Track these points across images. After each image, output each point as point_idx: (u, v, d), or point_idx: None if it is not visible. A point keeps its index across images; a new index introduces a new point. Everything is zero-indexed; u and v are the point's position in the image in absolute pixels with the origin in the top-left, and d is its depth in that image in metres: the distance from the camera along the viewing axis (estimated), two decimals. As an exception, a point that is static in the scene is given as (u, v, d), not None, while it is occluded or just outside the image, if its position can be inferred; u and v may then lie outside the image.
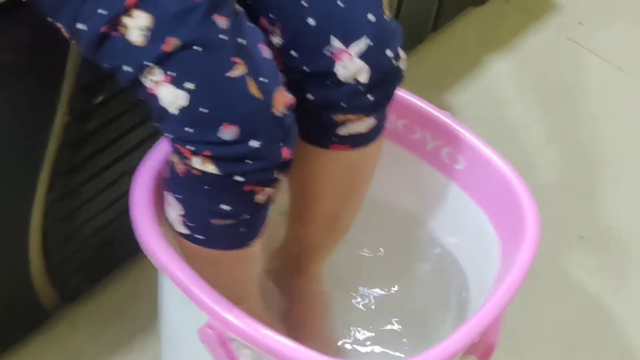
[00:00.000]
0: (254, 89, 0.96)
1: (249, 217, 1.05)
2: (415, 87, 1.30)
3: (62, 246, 1.37)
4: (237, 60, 0.95)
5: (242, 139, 0.96)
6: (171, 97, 0.95)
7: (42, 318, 1.46)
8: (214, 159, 0.97)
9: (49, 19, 0.99)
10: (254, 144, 0.96)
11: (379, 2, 1.08)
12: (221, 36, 0.95)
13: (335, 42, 1.05)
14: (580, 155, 1.92)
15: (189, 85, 0.94)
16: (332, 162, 1.18)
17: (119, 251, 1.52)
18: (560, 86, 2.07)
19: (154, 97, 0.96)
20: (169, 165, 1.05)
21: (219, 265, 1.11)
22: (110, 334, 1.49)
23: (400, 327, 1.40)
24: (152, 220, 1.10)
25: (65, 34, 0.99)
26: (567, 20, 2.23)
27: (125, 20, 0.94)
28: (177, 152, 0.99)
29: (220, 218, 1.04)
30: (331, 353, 1.22)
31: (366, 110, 1.10)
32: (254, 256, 1.15)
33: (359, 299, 1.42)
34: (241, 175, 0.98)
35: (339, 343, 1.37)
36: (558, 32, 2.19)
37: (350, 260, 1.42)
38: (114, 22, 0.94)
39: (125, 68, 0.96)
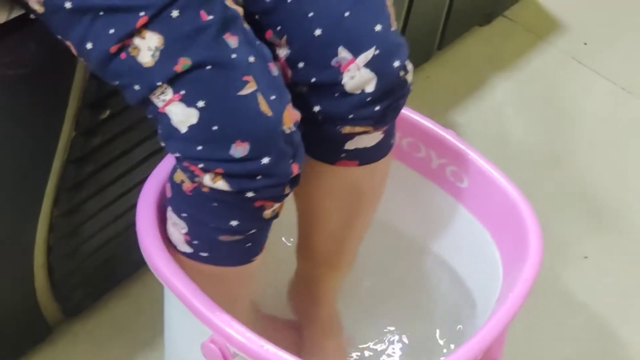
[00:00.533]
0: (264, 107, 0.97)
1: (256, 232, 1.05)
2: (421, 105, 1.30)
3: (66, 261, 1.37)
4: (249, 78, 0.96)
5: (253, 156, 0.96)
6: (182, 115, 0.95)
7: (45, 333, 1.46)
8: (226, 176, 0.97)
9: (59, 37, 1.00)
10: (266, 160, 0.97)
11: (387, 14, 1.08)
12: (232, 55, 0.96)
13: (343, 53, 1.05)
14: (584, 175, 1.92)
15: (200, 104, 0.95)
16: (338, 179, 1.18)
17: (122, 267, 1.52)
18: (565, 106, 2.07)
19: (164, 116, 0.96)
20: (172, 184, 1.05)
21: (221, 282, 1.11)
22: (112, 350, 1.49)
23: (405, 344, 1.40)
24: (156, 235, 1.10)
25: (74, 51, 0.99)
26: (572, 41, 2.23)
27: (137, 41, 0.95)
28: (186, 170, 0.99)
29: (229, 234, 1.04)
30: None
31: (373, 121, 1.10)
32: (255, 273, 1.15)
33: (363, 316, 1.42)
34: (253, 191, 0.99)
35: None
36: (563, 52, 2.20)
37: (353, 278, 1.42)
38: (125, 42, 0.95)
39: (136, 87, 0.97)
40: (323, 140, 1.13)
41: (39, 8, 0.98)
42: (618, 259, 1.76)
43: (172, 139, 0.98)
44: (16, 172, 1.18)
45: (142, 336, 1.51)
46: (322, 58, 1.06)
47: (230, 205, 1.01)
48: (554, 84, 2.12)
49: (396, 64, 1.08)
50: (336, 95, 1.07)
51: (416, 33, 1.88)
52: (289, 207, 1.14)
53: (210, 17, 0.96)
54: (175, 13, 0.94)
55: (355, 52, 1.05)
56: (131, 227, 1.12)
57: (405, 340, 1.40)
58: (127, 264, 1.52)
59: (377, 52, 1.06)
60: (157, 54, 0.94)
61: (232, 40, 0.96)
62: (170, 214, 1.08)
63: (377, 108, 1.08)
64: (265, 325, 1.34)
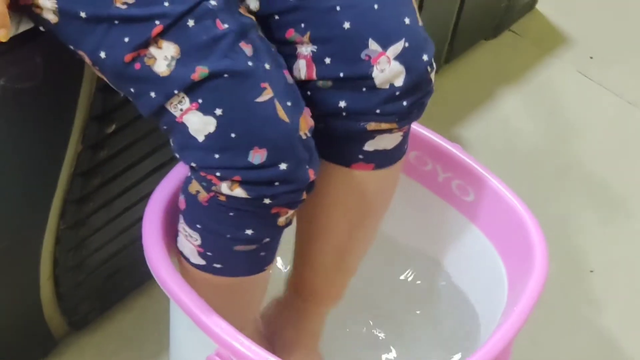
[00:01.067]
0: (282, 113, 0.97)
1: (269, 240, 1.06)
2: (427, 118, 1.30)
3: (72, 274, 1.37)
4: (265, 85, 0.97)
5: (271, 163, 0.97)
6: (199, 124, 0.96)
7: (51, 346, 1.46)
8: (244, 183, 0.98)
9: (71, 47, 1.00)
10: (284, 166, 0.97)
11: (413, 8, 1.08)
12: (249, 63, 0.96)
13: (373, 45, 1.04)
14: (591, 188, 1.91)
15: (218, 112, 0.95)
16: (349, 184, 1.17)
17: (128, 280, 1.52)
18: (571, 120, 2.07)
19: (182, 126, 0.97)
20: (186, 196, 1.05)
21: (233, 293, 1.12)
22: (118, 363, 1.49)
23: (409, 357, 1.40)
24: (162, 248, 1.10)
25: (88, 61, 1.00)
26: (578, 54, 2.23)
27: (153, 50, 0.95)
28: (202, 180, 1.00)
29: (244, 244, 1.04)
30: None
31: (398, 117, 1.09)
32: (265, 282, 1.16)
33: (364, 330, 1.41)
34: (270, 198, 0.99)
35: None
36: (569, 65, 2.20)
37: (356, 289, 1.42)
38: (139, 51, 0.95)
39: (152, 94, 0.97)
40: (343, 139, 1.12)
41: (53, 18, 0.98)
42: (624, 273, 1.76)
43: (188, 148, 0.98)
44: (23, 185, 1.18)
45: (149, 349, 1.51)
46: (352, 51, 1.05)
47: (246, 214, 1.01)
48: (560, 97, 2.12)
49: (425, 57, 1.07)
50: (364, 89, 1.06)
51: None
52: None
53: (226, 25, 0.96)
54: (191, 22, 0.95)
55: (385, 45, 1.04)
56: (137, 240, 1.12)
57: (408, 354, 1.40)
58: (133, 277, 1.52)
59: (407, 44, 1.05)
60: (173, 63, 0.95)
61: (247, 49, 0.97)
62: (183, 227, 1.08)
63: (405, 103, 1.07)
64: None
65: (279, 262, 1.45)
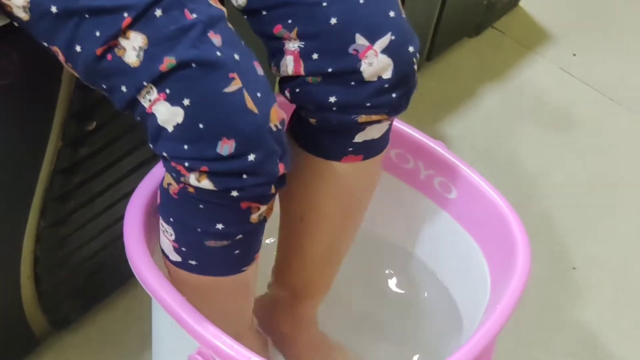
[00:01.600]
0: (251, 104, 0.96)
1: (243, 237, 1.04)
2: (409, 116, 1.30)
3: (53, 273, 1.37)
4: (234, 75, 0.96)
5: (239, 153, 0.96)
6: (167, 114, 0.95)
7: (32, 345, 1.45)
8: (211, 174, 0.97)
9: (44, 44, 1.00)
10: (252, 157, 0.96)
11: (397, 2, 1.08)
12: (218, 53, 0.95)
13: (360, 40, 1.05)
14: (573, 186, 1.92)
15: (186, 102, 0.94)
16: (340, 177, 1.17)
17: (110, 279, 1.52)
18: (554, 117, 2.07)
19: (151, 116, 0.96)
20: (161, 190, 1.05)
21: (212, 294, 1.11)
22: (100, 362, 1.49)
23: (389, 355, 1.40)
24: (144, 247, 1.10)
25: (62, 57, 0.99)
26: (561, 52, 2.24)
27: (122, 41, 0.95)
28: (172, 170, 0.99)
29: (215, 239, 1.03)
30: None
31: (388, 109, 1.10)
32: (248, 286, 1.14)
33: (344, 330, 1.41)
34: (238, 190, 0.98)
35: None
36: (552, 63, 2.20)
37: (336, 288, 1.42)
38: (110, 44, 0.95)
39: (123, 88, 0.96)
40: (333, 132, 1.12)
41: (24, 16, 0.97)
42: (607, 270, 1.77)
43: (159, 139, 0.97)
44: (2, 183, 1.17)
45: (131, 348, 1.50)
46: (339, 46, 1.05)
47: (216, 207, 1.00)
48: (543, 94, 2.12)
49: (411, 49, 1.08)
50: (353, 83, 1.07)
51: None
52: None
53: (194, 15, 0.95)
54: (158, 12, 0.94)
55: (372, 39, 1.05)
56: (119, 238, 1.12)
57: (391, 353, 1.40)
58: (115, 276, 1.51)
59: (393, 37, 1.06)
60: (142, 54, 0.94)
61: (216, 39, 0.96)
62: (161, 222, 1.07)
63: (394, 95, 1.08)
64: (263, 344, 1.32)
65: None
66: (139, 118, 0.99)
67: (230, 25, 1.01)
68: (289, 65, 1.07)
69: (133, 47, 0.94)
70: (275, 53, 1.09)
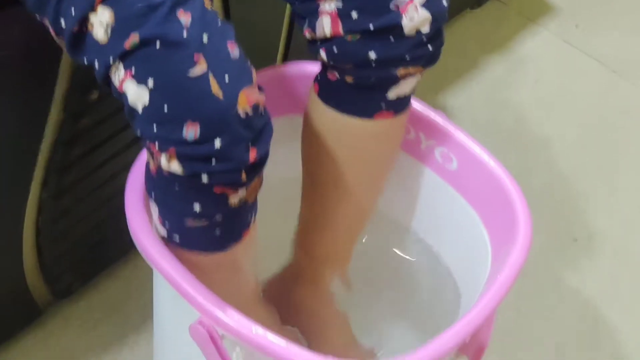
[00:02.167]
0: (215, 88, 0.93)
1: (223, 219, 1.03)
2: (410, 88, 1.30)
3: (56, 243, 1.37)
4: (199, 57, 0.93)
5: (205, 139, 0.93)
6: (135, 95, 0.94)
7: (35, 315, 1.46)
8: (179, 157, 0.95)
9: (37, 17, 0.99)
10: (218, 143, 0.94)
11: None
12: (184, 33, 0.93)
13: None
14: (575, 157, 1.92)
15: (150, 83, 0.93)
16: (373, 135, 1.17)
17: (112, 250, 1.52)
18: (556, 89, 2.07)
19: (123, 95, 0.95)
20: (146, 166, 1.04)
21: (201, 268, 1.09)
22: (102, 332, 1.49)
23: (389, 329, 1.40)
24: (145, 217, 1.10)
25: (52, 31, 0.99)
26: (563, 23, 2.23)
27: (92, 17, 0.94)
28: (148, 150, 0.98)
29: (194, 219, 1.02)
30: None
31: (425, 61, 1.11)
32: (236, 263, 1.12)
33: (338, 304, 1.41)
34: (207, 175, 0.96)
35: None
36: (554, 34, 2.20)
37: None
38: (84, 20, 0.94)
39: (96, 65, 0.96)
40: (367, 89, 1.12)
41: None
42: (608, 242, 1.77)
43: (133, 117, 0.96)
44: (4, 154, 1.18)
45: (133, 318, 1.51)
46: (379, 3, 1.05)
47: (190, 190, 0.99)
48: (545, 66, 2.12)
49: (444, 3, 1.09)
50: (392, 38, 1.07)
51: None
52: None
53: None
54: None
55: None
56: (121, 209, 1.12)
57: (388, 325, 1.40)
58: (118, 246, 1.52)
59: None
60: (109, 30, 0.93)
61: (185, 18, 0.94)
62: (148, 196, 1.07)
63: (430, 48, 1.10)
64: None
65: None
66: (116, 96, 0.98)
67: (208, 3, 0.98)
68: (326, 26, 1.07)
69: (100, 22, 0.93)
70: (307, 15, 1.08)
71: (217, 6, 1.36)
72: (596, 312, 1.65)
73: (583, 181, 1.87)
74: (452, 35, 2.13)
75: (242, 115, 0.95)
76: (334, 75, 1.13)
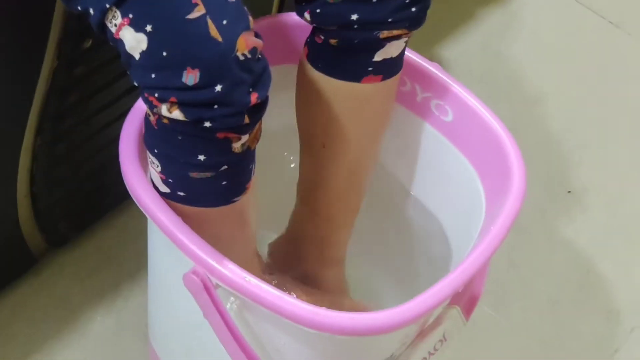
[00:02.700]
0: (214, 32, 0.92)
1: (228, 168, 1.02)
2: (406, 38, 1.30)
3: (50, 191, 1.37)
4: (197, 0, 0.92)
5: (205, 84, 0.93)
6: (133, 41, 0.93)
7: (30, 263, 1.46)
8: (180, 104, 0.94)
9: None
10: (219, 88, 0.93)
11: None
12: None
13: None
14: (571, 110, 1.92)
15: (148, 28, 0.92)
16: (360, 99, 1.17)
17: (107, 198, 1.52)
18: (554, 41, 2.06)
19: (120, 42, 0.94)
20: (145, 119, 1.03)
21: (205, 225, 1.08)
22: (97, 280, 1.50)
23: (380, 281, 1.41)
24: (139, 166, 1.10)
25: None
26: (561, -25, 2.22)
27: None
28: (146, 101, 0.97)
29: (198, 171, 1.01)
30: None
31: (409, 23, 1.11)
32: (242, 216, 1.11)
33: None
34: (210, 121, 0.95)
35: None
36: (552, -14, 2.19)
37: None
38: None
39: (91, 11, 0.95)
40: (353, 51, 1.12)
41: None
42: (602, 194, 1.77)
43: (130, 66, 0.95)
44: (-2, 101, 1.18)
45: (127, 267, 1.52)
46: None
47: (193, 138, 0.98)
48: (542, 18, 2.11)
49: None
50: (374, 1, 1.08)
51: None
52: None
53: None
54: None
55: None
56: (116, 158, 1.11)
57: (375, 281, 1.41)
58: (112, 195, 1.52)
59: None
60: None
61: None
62: (147, 153, 1.05)
63: (414, 9, 1.10)
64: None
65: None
66: (111, 43, 0.97)
67: None
68: None
69: None
70: None
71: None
72: (589, 264, 1.66)
73: (578, 134, 1.87)
74: (449, -14, 2.12)
75: (242, 58, 0.94)
76: (319, 38, 1.13)
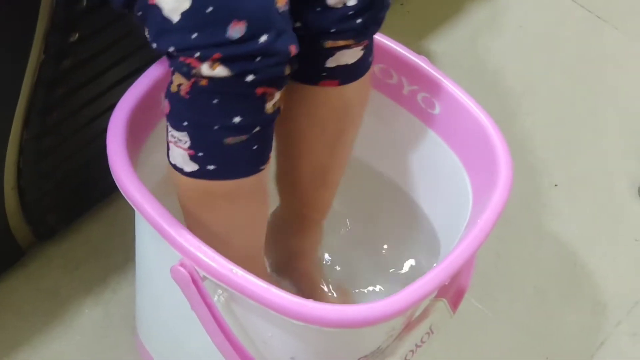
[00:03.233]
0: None
1: (260, 130, 1.02)
2: (394, 32, 1.30)
3: (38, 184, 1.37)
4: None
5: (251, 36, 0.94)
6: (173, 2, 0.93)
7: (17, 256, 1.46)
8: (224, 60, 0.95)
9: None
10: (264, 39, 0.95)
11: None
12: None
13: None
14: (557, 103, 1.92)
15: None
16: (320, 101, 1.17)
17: (94, 191, 1.52)
18: (540, 34, 2.07)
19: (155, 8, 0.95)
20: (169, 98, 1.02)
21: (234, 202, 1.08)
22: (85, 273, 1.50)
23: (365, 271, 1.41)
24: (127, 159, 1.10)
25: None
26: (549, -32, 2.22)
27: None
28: (182, 66, 0.97)
29: (234, 134, 1.01)
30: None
31: (354, 34, 1.10)
32: (265, 190, 1.12)
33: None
34: (253, 73, 0.96)
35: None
36: (539, -20, 2.19)
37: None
38: None
39: None
40: (304, 57, 1.11)
41: None
42: (588, 187, 1.78)
43: (164, 33, 0.95)
44: (-16, 94, 1.17)
45: (115, 260, 1.52)
46: None
47: (231, 98, 0.98)
48: (529, 11, 2.11)
49: None
50: (318, 9, 1.07)
51: (392, -41, 1.87)
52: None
53: None
54: None
55: None
56: (103, 150, 1.11)
57: (364, 273, 1.41)
58: (100, 188, 1.52)
59: None
60: None
61: None
62: (172, 133, 1.04)
63: (359, 21, 1.08)
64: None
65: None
66: (139, 13, 0.97)
67: None
68: None
69: None
70: None
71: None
72: (576, 257, 1.67)
73: (565, 126, 1.88)
74: (437, -21, 2.12)
75: (281, 9, 0.97)
76: None
